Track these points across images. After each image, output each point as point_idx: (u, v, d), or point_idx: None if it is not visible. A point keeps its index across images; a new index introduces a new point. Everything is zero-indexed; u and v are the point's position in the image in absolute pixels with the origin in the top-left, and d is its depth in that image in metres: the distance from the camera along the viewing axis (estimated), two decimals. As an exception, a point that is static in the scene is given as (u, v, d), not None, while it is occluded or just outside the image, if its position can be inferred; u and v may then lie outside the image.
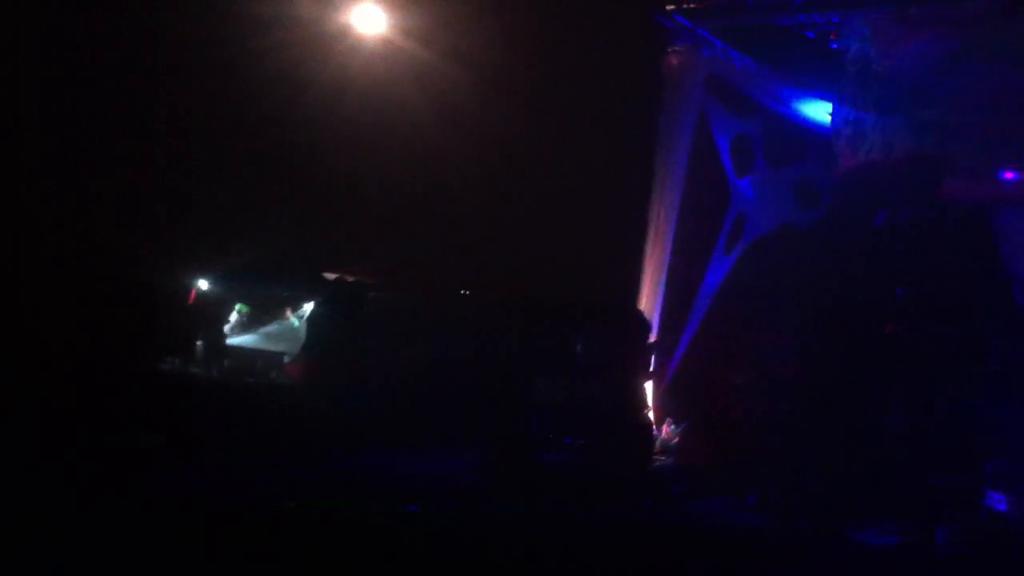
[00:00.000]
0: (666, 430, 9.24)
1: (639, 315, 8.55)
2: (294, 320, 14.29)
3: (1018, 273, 7.89)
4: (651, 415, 8.88)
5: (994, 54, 8.52)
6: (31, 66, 10.52)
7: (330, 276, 10.22)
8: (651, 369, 8.83)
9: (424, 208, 13.37)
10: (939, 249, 8.04)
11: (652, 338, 8.49)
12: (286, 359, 13.61)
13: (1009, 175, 8.68)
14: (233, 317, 15.32)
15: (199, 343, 14.66)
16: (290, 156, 13.51)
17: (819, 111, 10.60)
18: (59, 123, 10.64)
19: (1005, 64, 8.44)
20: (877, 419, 7.80)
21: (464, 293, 11.52)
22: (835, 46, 9.84)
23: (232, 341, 15.18)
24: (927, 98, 8.80)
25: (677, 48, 10.65)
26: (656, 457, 8.69)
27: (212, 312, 15.62)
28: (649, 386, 9.00)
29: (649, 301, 10.03)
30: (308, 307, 13.33)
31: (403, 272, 11.14)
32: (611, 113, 12.48)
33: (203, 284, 16.04)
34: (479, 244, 12.67)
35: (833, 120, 9.73)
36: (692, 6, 10.29)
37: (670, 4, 10.38)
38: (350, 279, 10.24)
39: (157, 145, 12.73)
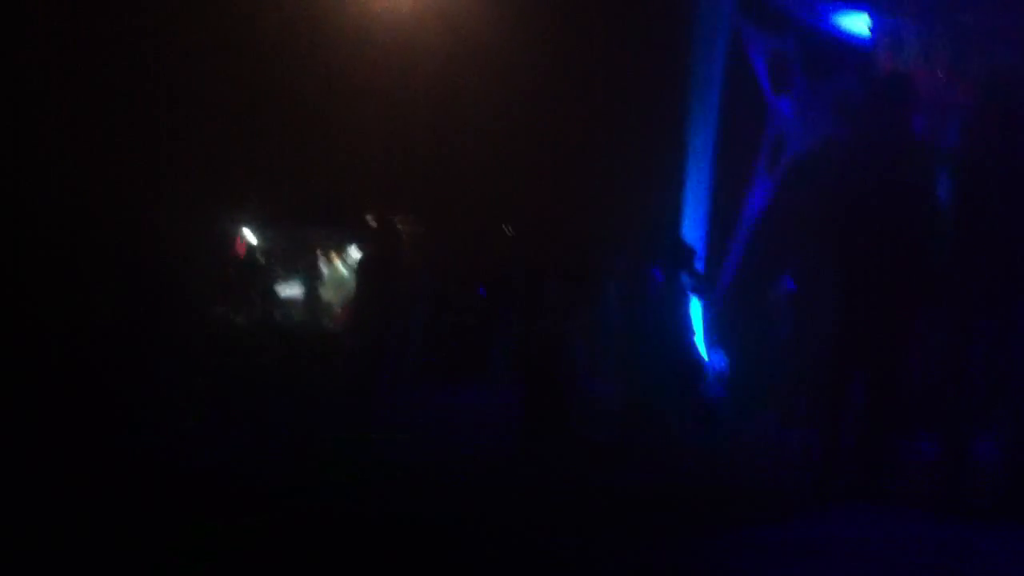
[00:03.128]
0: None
1: (680, 242, 8.48)
2: (342, 268, 14.47)
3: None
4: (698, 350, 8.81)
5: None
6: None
7: (372, 222, 10.21)
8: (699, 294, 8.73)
9: (459, 153, 13.36)
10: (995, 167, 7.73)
11: (690, 266, 8.37)
12: (338, 308, 13.79)
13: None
14: (283, 268, 15.52)
15: (252, 295, 14.87)
16: (323, 102, 13.54)
17: (856, 23, 10.34)
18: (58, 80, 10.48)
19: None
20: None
21: (509, 232, 11.50)
22: (870, -47, 9.59)
23: (284, 292, 15.40)
24: (964, 2, 8.56)
25: (708, -36, 10.40)
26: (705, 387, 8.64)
27: (262, 262, 15.85)
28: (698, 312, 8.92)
29: (692, 226, 9.96)
30: (355, 254, 13.46)
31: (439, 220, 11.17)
32: (643, 36, 12.28)
33: (249, 235, 16.28)
34: (516, 181, 12.66)
35: (871, 31, 9.50)
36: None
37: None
38: (394, 225, 10.20)
39: (184, 99, 12.77)
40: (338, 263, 15.15)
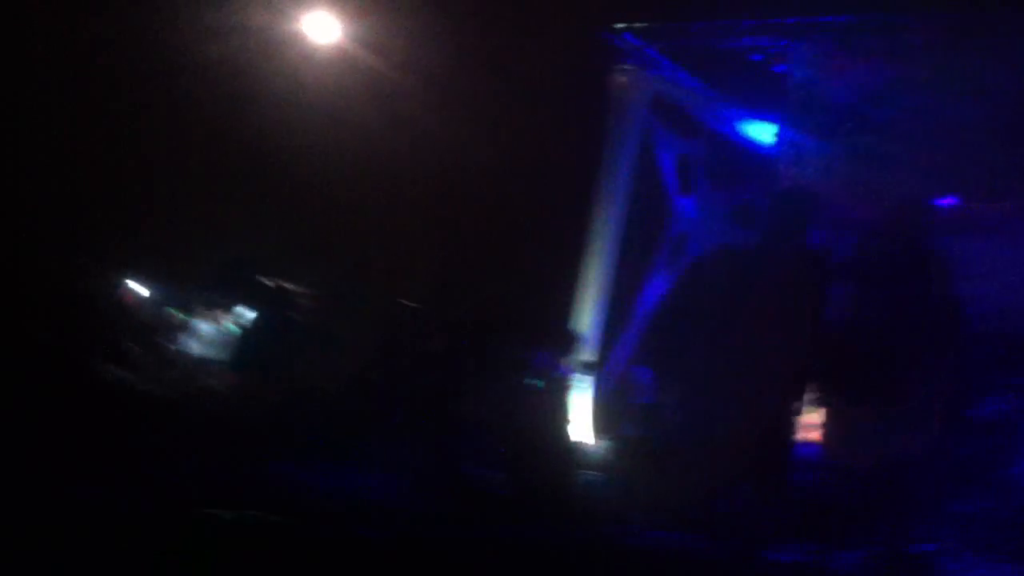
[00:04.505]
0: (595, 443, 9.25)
1: (569, 330, 8.53)
2: (231, 326, 14.09)
3: (952, 296, 7.94)
4: (579, 429, 8.86)
5: (933, 86, 8.68)
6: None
7: (270, 283, 10.08)
8: (575, 384, 8.82)
9: (370, 218, 13.27)
10: (874, 274, 8.07)
11: (581, 353, 8.46)
12: (222, 366, 13.41)
13: (945, 201, 8.85)
14: (169, 320, 15.08)
15: (134, 347, 14.41)
16: (237, 163, 13.36)
17: (762, 133, 10.72)
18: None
19: (943, 96, 8.61)
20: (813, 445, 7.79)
21: (406, 305, 11.42)
22: (779, 70, 9.97)
23: (167, 345, 14.94)
24: (866, 125, 8.94)
25: (625, 67, 10.67)
26: (584, 472, 8.64)
27: (148, 315, 15.39)
28: (578, 400, 8.99)
29: (586, 317, 10.03)
30: (246, 313, 13.16)
31: (345, 282, 11.04)
32: (560, 127, 12.49)
33: (139, 287, 15.80)
34: (423, 256, 12.60)
35: (775, 143, 9.85)
36: (640, 26, 10.34)
37: (619, 23, 10.44)
38: (289, 287, 10.10)
39: (101, 151, 12.51)
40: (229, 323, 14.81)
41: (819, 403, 7.88)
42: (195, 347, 14.80)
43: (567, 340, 8.87)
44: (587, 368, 9.30)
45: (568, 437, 8.57)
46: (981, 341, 7.81)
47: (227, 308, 14.58)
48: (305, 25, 12.58)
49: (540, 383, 8.31)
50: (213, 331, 14.50)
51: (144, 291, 16.00)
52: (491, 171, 12.83)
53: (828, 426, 7.91)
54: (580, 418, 9.25)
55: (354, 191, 13.54)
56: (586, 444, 9.18)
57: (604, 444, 9.38)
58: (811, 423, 7.90)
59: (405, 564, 5.35)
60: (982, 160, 8.50)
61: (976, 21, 8.47)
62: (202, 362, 14.38)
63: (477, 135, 12.33)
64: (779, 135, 9.80)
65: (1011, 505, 8.16)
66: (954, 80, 8.61)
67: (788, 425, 7.84)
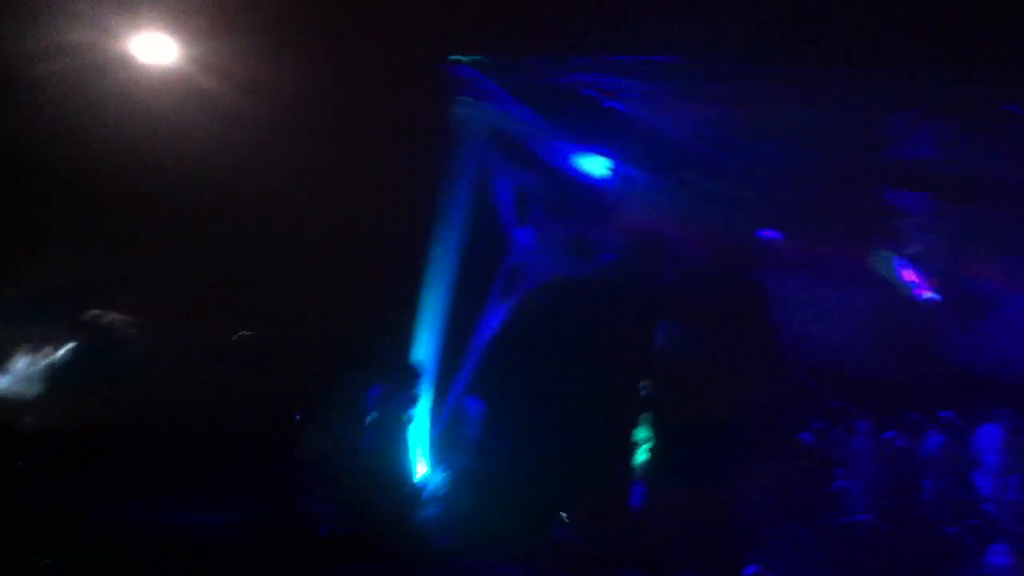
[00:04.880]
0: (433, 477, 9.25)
1: (407, 363, 8.52)
2: (48, 361, 13.54)
3: (779, 325, 8.29)
4: (416, 463, 8.86)
5: (756, 129, 9.07)
6: None
7: (89, 314, 9.75)
8: (415, 416, 8.83)
9: (201, 244, 12.96)
10: (709, 306, 8.36)
11: (418, 386, 8.47)
12: (39, 401, 12.86)
13: (767, 234, 9.26)
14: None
15: None
16: (62, 188, 12.87)
17: (597, 167, 10.94)
18: None
19: (765, 139, 9.01)
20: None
21: (241, 334, 11.22)
22: (610, 105, 10.22)
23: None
24: (698, 163, 9.27)
25: (462, 98, 10.76)
26: (423, 505, 8.65)
27: None
28: (416, 432, 8.99)
29: (426, 349, 10.02)
30: (66, 347, 12.68)
31: (172, 311, 10.77)
32: (401, 157, 12.49)
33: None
34: (258, 282, 12.37)
35: (608, 177, 10.08)
36: (476, 58, 10.45)
37: (456, 55, 10.52)
38: (109, 317, 9.80)
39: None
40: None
41: (651, 431, 8.11)
42: (13, 382, 14.19)
43: (405, 373, 8.86)
44: (425, 400, 9.31)
45: (406, 470, 8.56)
46: (801, 370, 8.20)
47: (51, 341, 14.04)
48: (140, 46, 12.24)
49: (379, 416, 8.28)
50: (34, 365, 13.94)
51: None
52: (329, 203, 12.73)
53: (659, 455, 8.13)
54: (417, 451, 9.25)
55: (188, 217, 13.22)
56: (423, 476, 9.17)
57: (440, 476, 9.40)
58: (644, 451, 8.11)
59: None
60: (802, 201, 8.94)
61: (799, 71, 8.88)
62: (25, 397, 13.79)
63: (315, 169, 12.23)
64: (612, 168, 10.03)
65: (830, 527, 8.57)
66: (776, 125, 9.01)
67: (620, 456, 8.03)
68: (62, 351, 12.82)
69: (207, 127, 12.58)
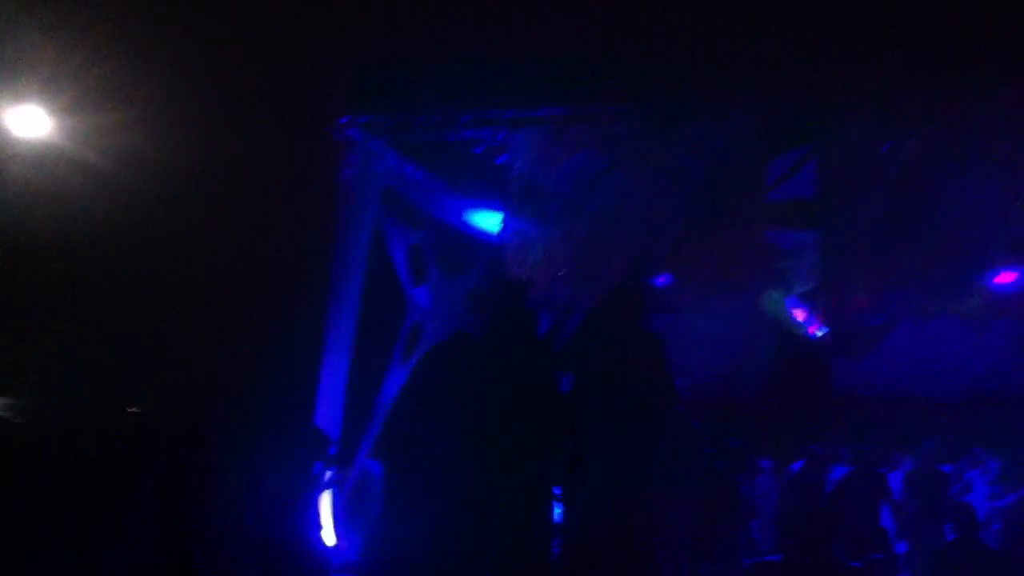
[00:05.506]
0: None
1: (310, 428, 8.37)
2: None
3: (666, 369, 8.34)
4: (324, 529, 8.67)
5: (638, 170, 9.28)
6: None
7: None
8: (329, 481, 8.68)
9: (90, 317, 12.58)
10: (602, 355, 8.40)
11: (324, 451, 8.31)
12: None
13: (654, 279, 9.44)
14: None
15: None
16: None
17: (489, 222, 11.02)
18: None
19: (644, 180, 9.23)
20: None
21: (133, 411, 10.85)
22: (501, 161, 10.34)
23: None
24: (581, 212, 9.42)
25: (350, 160, 10.73)
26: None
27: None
28: (323, 499, 8.82)
29: (327, 413, 9.87)
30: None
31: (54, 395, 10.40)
32: (292, 222, 12.37)
33: None
34: (149, 351, 12.04)
35: (501, 232, 10.15)
36: (364, 119, 10.45)
37: (343, 116, 10.50)
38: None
39: None
40: None
41: (559, 482, 8.08)
42: None
43: (310, 438, 8.68)
44: (330, 465, 9.14)
45: (314, 538, 8.35)
46: (693, 409, 8.30)
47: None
48: (13, 119, 11.92)
49: (285, 481, 8.07)
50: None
51: None
52: (222, 268, 12.51)
53: (570, 506, 8.10)
54: (325, 517, 9.06)
55: (71, 288, 12.83)
56: (331, 544, 8.98)
57: (348, 543, 9.22)
58: (553, 503, 8.06)
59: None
60: (681, 238, 9.14)
61: (670, 110, 9.16)
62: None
63: (205, 234, 12.02)
64: (504, 223, 10.11)
65: (735, 565, 8.63)
66: (653, 165, 9.24)
67: (533, 507, 7.97)
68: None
69: (89, 198, 12.29)
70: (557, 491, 7.97)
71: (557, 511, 7.97)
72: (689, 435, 7.81)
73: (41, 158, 12.24)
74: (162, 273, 12.67)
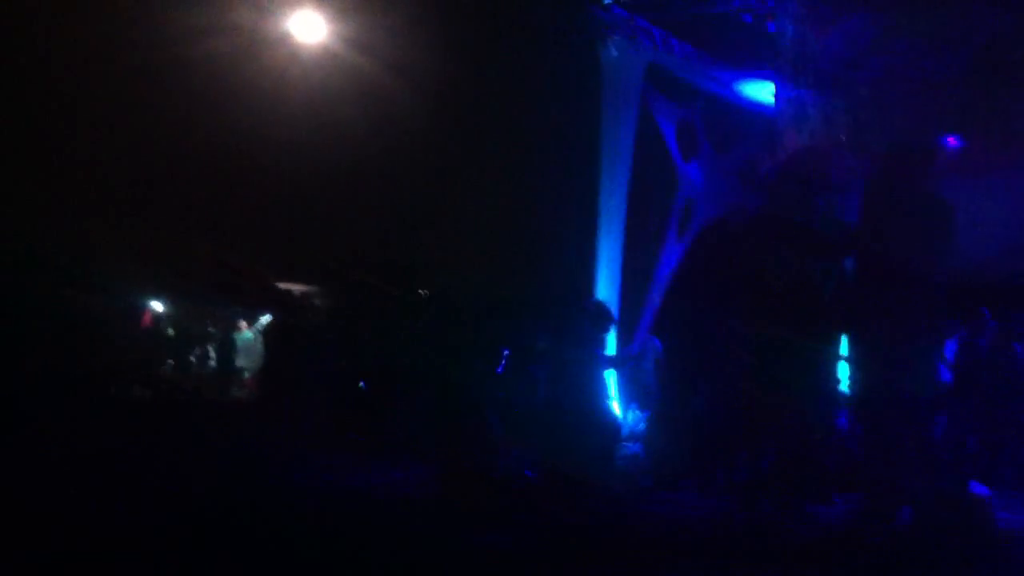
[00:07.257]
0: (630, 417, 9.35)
1: (597, 305, 8.55)
2: (249, 333, 14.26)
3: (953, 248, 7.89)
4: (611, 403, 8.94)
5: (917, 34, 8.71)
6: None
7: (282, 287, 10.18)
8: (612, 359, 8.88)
9: (367, 217, 13.35)
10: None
11: (611, 328, 8.48)
12: (246, 374, 13.56)
13: (952, 141, 8.86)
14: (187, 335, 15.25)
15: (161, 364, 14.56)
16: (230, 167, 13.43)
17: (761, 93, 10.73)
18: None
19: (927, 43, 8.64)
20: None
21: (422, 292, 11.48)
22: (772, 28, 9.98)
23: (191, 359, 15.11)
24: (861, 74, 8.96)
25: (616, 39, 10.66)
26: (622, 445, 8.73)
27: (168, 333, 15.55)
28: (611, 376, 9.06)
29: (606, 291, 10.09)
30: (263, 319, 13.30)
31: (356, 279, 11.12)
32: (554, 109, 12.51)
33: (155, 304, 15.94)
34: (429, 246, 12.68)
35: (775, 101, 9.85)
36: (628, -1, 10.34)
37: (608, -4, 10.43)
38: (299, 289, 10.23)
39: (90, 160, 12.61)
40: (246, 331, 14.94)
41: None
42: (213, 355, 14.96)
43: (591, 318, 8.85)
44: (612, 341, 9.35)
45: (605, 412, 8.60)
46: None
47: (234, 316, 14.76)
48: (291, 25, 12.61)
49: (568, 362, 8.31)
50: (225, 339, 14.69)
51: (158, 307, 16.17)
52: (491, 156, 12.89)
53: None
54: (611, 393, 9.32)
55: (343, 190, 13.60)
56: (616, 417, 9.25)
57: (634, 415, 9.48)
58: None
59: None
60: (965, 105, 8.55)
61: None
62: (218, 367, 14.55)
63: (472, 122, 12.40)
64: (777, 92, 9.80)
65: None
66: (932, 27, 8.65)
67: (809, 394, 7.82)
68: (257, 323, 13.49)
69: (355, 101, 12.90)
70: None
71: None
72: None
73: (319, 61, 12.93)
74: (435, 166, 13.21)
